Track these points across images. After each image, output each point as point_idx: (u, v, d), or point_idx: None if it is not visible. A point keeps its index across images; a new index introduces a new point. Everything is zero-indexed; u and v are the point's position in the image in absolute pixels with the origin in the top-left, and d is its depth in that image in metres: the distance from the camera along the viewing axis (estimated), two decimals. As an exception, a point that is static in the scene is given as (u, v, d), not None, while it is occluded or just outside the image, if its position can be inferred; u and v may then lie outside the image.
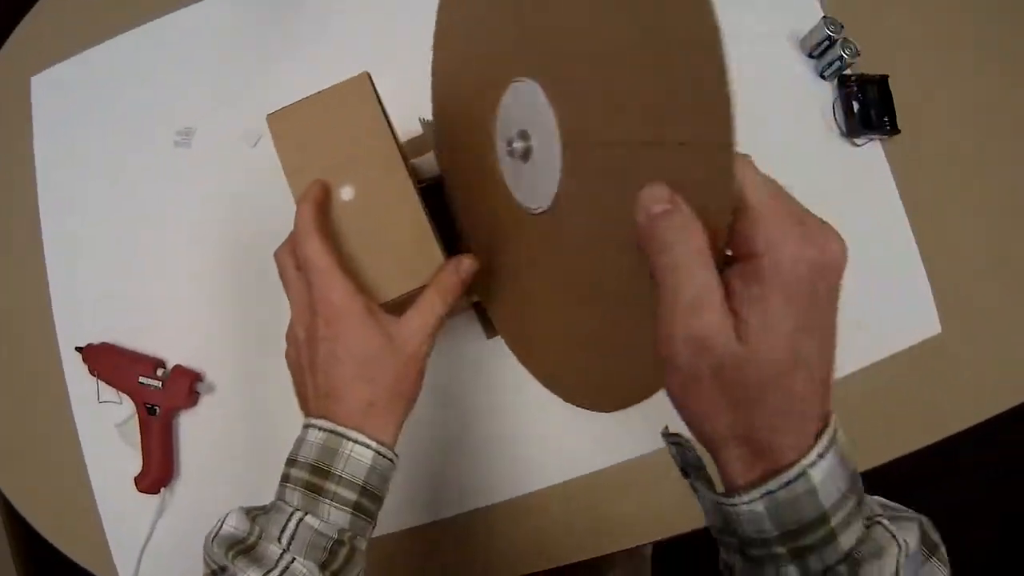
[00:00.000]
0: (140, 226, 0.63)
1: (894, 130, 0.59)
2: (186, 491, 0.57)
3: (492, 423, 0.56)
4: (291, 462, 0.35)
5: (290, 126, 0.39)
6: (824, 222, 0.24)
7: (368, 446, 0.34)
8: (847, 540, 0.23)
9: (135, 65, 0.67)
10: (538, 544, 0.55)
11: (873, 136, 0.59)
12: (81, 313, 0.62)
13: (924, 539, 0.26)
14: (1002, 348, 0.57)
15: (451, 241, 0.43)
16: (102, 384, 0.58)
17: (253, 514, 0.35)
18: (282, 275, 0.38)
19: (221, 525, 0.34)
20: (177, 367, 0.57)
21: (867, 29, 0.60)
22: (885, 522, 0.25)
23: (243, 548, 0.32)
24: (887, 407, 0.56)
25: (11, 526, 1.03)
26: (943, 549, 0.26)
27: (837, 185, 0.59)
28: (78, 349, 0.60)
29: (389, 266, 0.38)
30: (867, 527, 0.24)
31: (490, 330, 0.56)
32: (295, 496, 0.34)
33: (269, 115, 0.40)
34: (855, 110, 0.59)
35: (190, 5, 0.68)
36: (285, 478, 0.35)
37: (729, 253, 0.23)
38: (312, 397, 0.36)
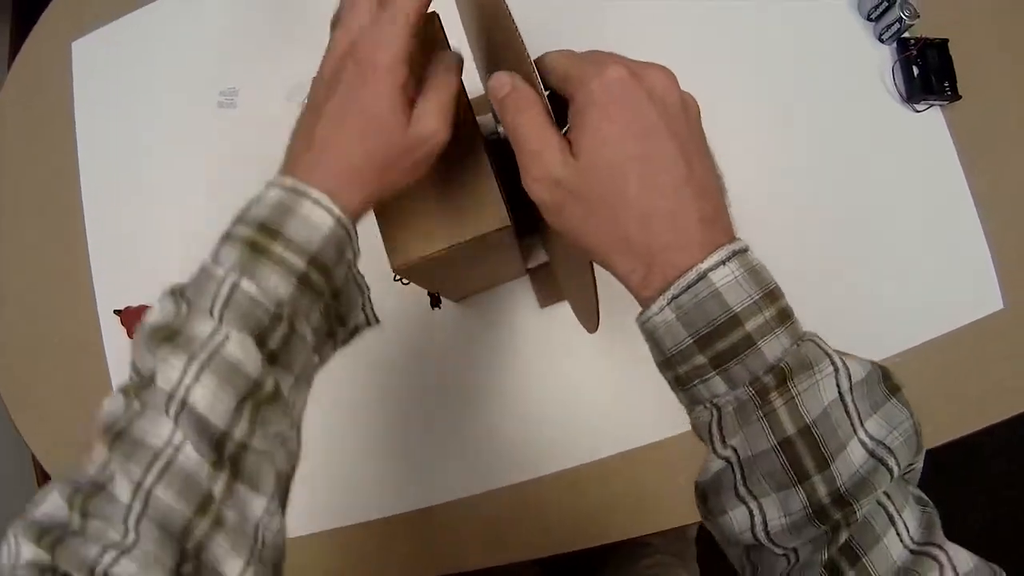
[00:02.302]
0: (181, 189, 0.63)
1: (955, 96, 0.57)
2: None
3: (545, 389, 0.55)
4: (237, 220, 0.29)
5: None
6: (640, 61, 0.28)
7: (330, 211, 0.29)
8: (771, 350, 0.24)
9: (175, 28, 0.67)
10: (577, 522, 0.53)
11: (933, 102, 0.57)
12: (120, 276, 0.62)
13: (884, 379, 0.26)
14: (1068, 325, 0.55)
15: (516, 201, 0.42)
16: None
17: (180, 289, 0.29)
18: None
19: (148, 314, 0.29)
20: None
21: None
22: (818, 339, 0.26)
23: (168, 334, 0.27)
24: (947, 384, 0.53)
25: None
26: (904, 393, 0.26)
27: (895, 153, 0.57)
28: (116, 312, 0.60)
29: (446, 212, 0.36)
30: (797, 346, 0.25)
31: (544, 298, 0.55)
32: (232, 254, 0.28)
33: None
34: (915, 75, 0.57)
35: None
36: (225, 236, 0.29)
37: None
38: (297, 150, 0.31)
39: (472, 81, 0.53)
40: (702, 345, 0.25)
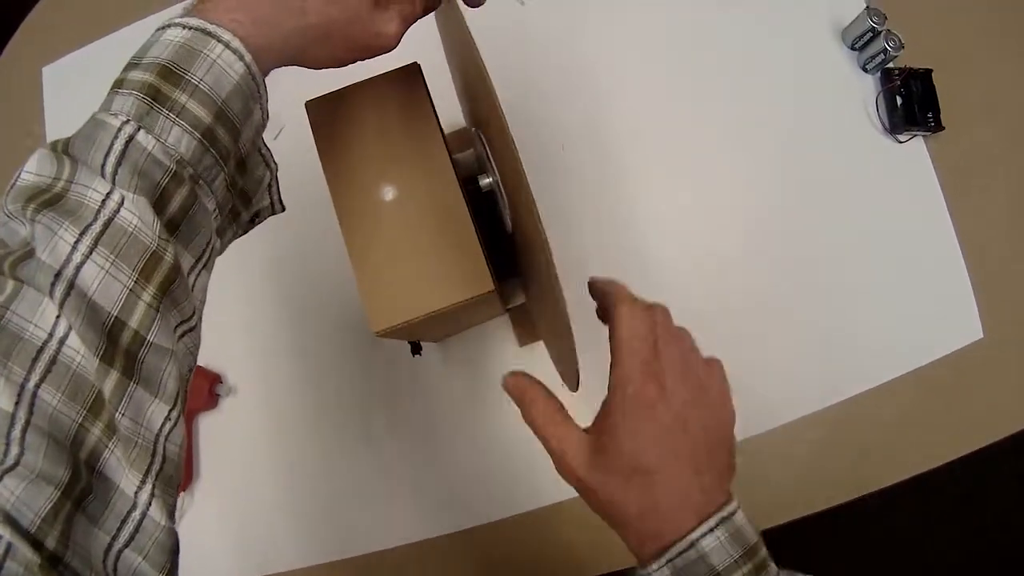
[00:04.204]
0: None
1: (938, 127, 0.57)
2: (205, 495, 0.56)
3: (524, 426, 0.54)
4: (132, 65, 0.25)
5: (329, 115, 0.36)
6: (689, 360, 0.31)
7: (242, 56, 0.25)
8: None
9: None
10: (558, 557, 0.53)
11: (916, 132, 0.57)
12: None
13: None
14: (1046, 354, 0.55)
15: (500, 243, 0.41)
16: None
17: (64, 144, 0.25)
18: None
19: (19, 176, 0.24)
20: (197, 368, 0.55)
21: (911, 20, 0.58)
22: None
23: (49, 198, 0.23)
24: (927, 414, 0.54)
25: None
26: None
27: (878, 184, 0.57)
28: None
29: (430, 276, 0.35)
30: None
31: (523, 337, 0.55)
32: (127, 103, 0.24)
33: (307, 101, 0.37)
34: (898, 105, 0.57)
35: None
36: (119, 83, 0.25)
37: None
38: None
39: (451, 112, 0.52)
40: None
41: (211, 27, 0.25)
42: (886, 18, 0.56)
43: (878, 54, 0.56)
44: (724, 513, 0.28)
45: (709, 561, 0.27)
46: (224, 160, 0.27)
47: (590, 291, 0.34)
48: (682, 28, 0.61)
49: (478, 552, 0.54)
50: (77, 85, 0.66)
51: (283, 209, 0.33)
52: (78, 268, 0.22)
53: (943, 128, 0.57)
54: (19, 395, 0.21)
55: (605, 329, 0.32)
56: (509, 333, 0.56)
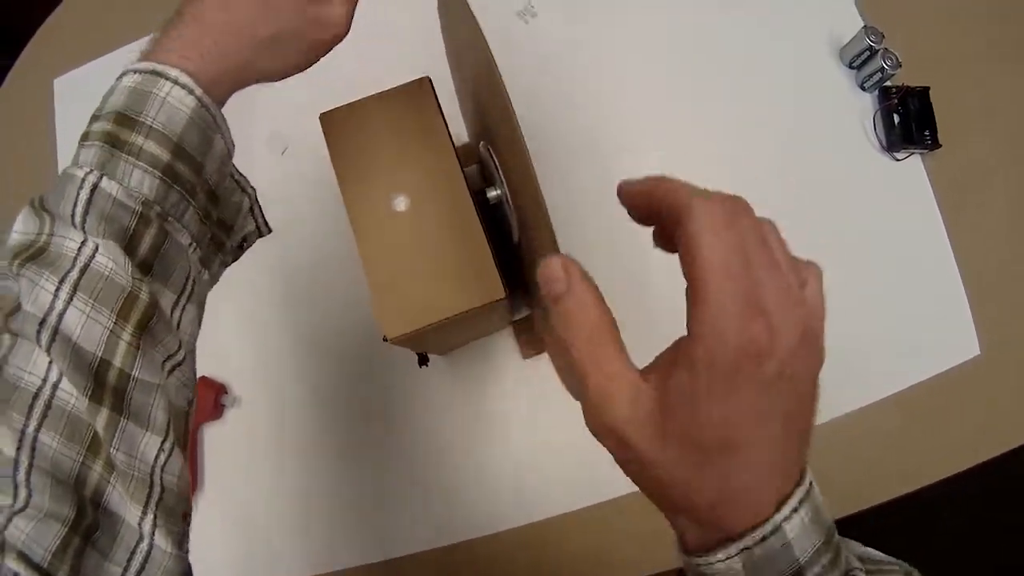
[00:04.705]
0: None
1: (935, 144, 0.57)
2: (209, 504, 0.56)
3: (533, 436, 0.55)
4: (94, 118, 0.27)
5: (342, 127, 0.38)
6: (791, 289, 0.21)
7: (192, 91, 0.26)
8: None
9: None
10: (563, 570, 0.54)
11: (913, 150, 0.58)
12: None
13: None
14: (1043, 371, 0.56)
15: (506, 254, 0.42)
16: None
17: (41, 200, 0.27)
18: None
19: (9, 236, 0.26)
20: (203, 378, 0.56)
21: (908, 39, 0.59)
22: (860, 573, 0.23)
23: (32, 253, 0.25)
24: (923, 430, 0.54)
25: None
26: None
27: (875, 201, 0.58)
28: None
29: (443, 284, 0.36)
30: None
31: (527, 350, 0.55)
32: (90, 153, 0.26)
33: (322, 114, 0.38)
34: (896, 123, 0.58)
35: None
36: (84, 136, 0.27)
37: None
38: (160, 35, 0.29)
39: (455, 129, 0.53)
40: None
41: (160, 67, 0.26)
42: (883, 37, 0.57)
43: (875, 72, 0.57)
44: (805, 486, 0.22)
45: (793, 551, 0.21)
46: (190, 194, 0.28)
47: (628, 203, 0.23)
48: (684, 44, 0.62)
49: (481, 564, 0.54)
50: (88, 97, 0.67)
51: (269, 231, 0.34)
52: (60, 315, 0.23)
53: (940, 146, 0.57)
54: (20, 440, 0.22)
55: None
56: (513, 346, 0.56)
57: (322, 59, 0.33)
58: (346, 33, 0.31)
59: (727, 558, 0.21)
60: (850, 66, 0.59)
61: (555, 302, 0.21)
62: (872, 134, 0.58)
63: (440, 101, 0.39)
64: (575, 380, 0.22)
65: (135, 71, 0.27)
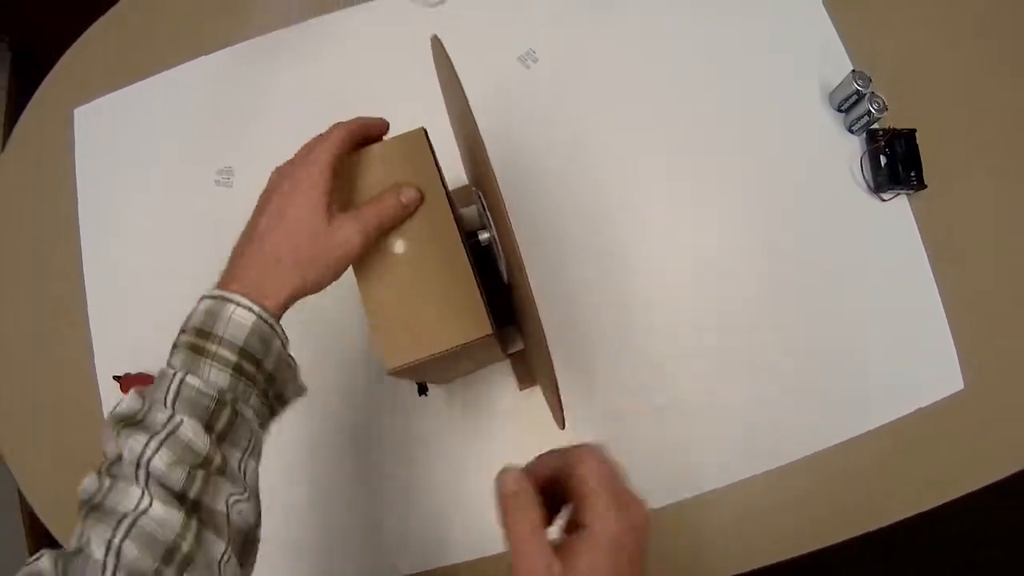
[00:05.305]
0: (179, 259, 0.65)
1: (920, 185, 0.60)
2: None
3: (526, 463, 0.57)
4: (180, 330, 0.36)
5: (344, 176, 0.40)
6: (633, 495, 0.30)
7: (251, 309, 0.35)
8: None
9: (175, 103, 0.69)
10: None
11: (900, 191, 0.60)
12: (119, 343, 0.64)
13: None
14: (1025, 405, 0.58)
15: (495, 293, 0.44)
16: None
17: (144, 391, 0.36)
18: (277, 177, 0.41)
19: (115, 407, 0.35)
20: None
21: (894, 82, 0.61)
22: None
23: (133, 422, 0.33)
24: (907, 464, 0.56)
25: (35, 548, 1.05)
26: None
27: (862, 240, 0.60)
28: (116, 378, 0.62)
29: (434, 321, 0.39)
30: None
31: (523, 382, 0.57)
32: (179, 358, 0.35)
33: None
34: (882, 165, 0.60)
35: (231, 46, 0.70)
36: (173, 345, 0.36)
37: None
38: (229, 267, 0.38)
39: (457, 169, 0.56)
40: None
41: (227, 294, 0.36)
42: (871, 80, 0.59)
43: (863, 116, 0.59)
44: None
45: None
46: (252, 381, 0.36)
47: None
48: (679, 89, 0.65)
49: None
50: (108, 128, 0.70)
51: (305, 392, 0.42)
52: (148, 460, 0.32)
53: (925, 186, 0.60)
54: (108, 547, 0.29)
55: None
56: (510, 377, 0.58)
57: (336, 113, 0.40)
58: (359, 245, 0.38)
59: None
60: (839, 109, 0.62)
61: (503, 500, 0.30)
62: (859, 176, 0.61)
63: (443, 145, 0.42)
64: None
65: (210, 297, 0.36)
